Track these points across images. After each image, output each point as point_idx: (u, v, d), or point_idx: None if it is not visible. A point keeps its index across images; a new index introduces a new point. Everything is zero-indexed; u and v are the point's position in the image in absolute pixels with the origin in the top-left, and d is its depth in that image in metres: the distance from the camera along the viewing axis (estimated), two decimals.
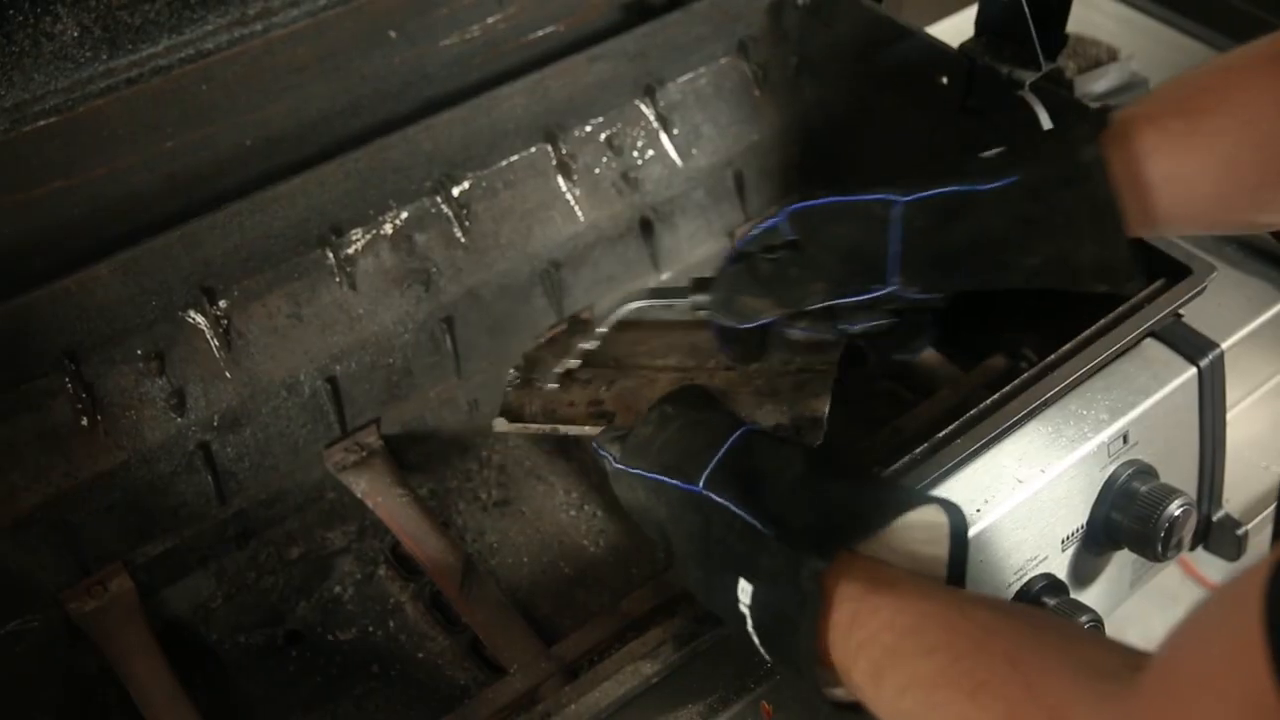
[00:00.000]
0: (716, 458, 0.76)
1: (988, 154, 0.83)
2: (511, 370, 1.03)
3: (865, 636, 0.66)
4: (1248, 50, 0.77)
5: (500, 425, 0.97)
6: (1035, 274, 0.80)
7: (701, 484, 0.75)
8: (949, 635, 0.63)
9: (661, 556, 0.81)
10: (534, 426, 0.96)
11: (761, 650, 0.72)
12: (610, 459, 0.82)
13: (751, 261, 0.86)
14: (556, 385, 1.00)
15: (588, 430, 0.94)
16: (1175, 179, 0.76)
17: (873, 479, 0.80)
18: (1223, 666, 0.48)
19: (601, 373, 1.00)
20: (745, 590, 0.71)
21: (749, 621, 0.71)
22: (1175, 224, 0.80)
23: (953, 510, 0.72)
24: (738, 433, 0.77)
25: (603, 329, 0.99)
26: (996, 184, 0.79)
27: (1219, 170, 0.76)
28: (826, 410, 0.88)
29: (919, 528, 0.71)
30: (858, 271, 0.83)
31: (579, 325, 1.08)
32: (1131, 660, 0.56)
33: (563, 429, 0.96)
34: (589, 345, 1.01)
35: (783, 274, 0.85)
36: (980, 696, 0.60)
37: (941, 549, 0.72)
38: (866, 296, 0.83)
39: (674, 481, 0.76)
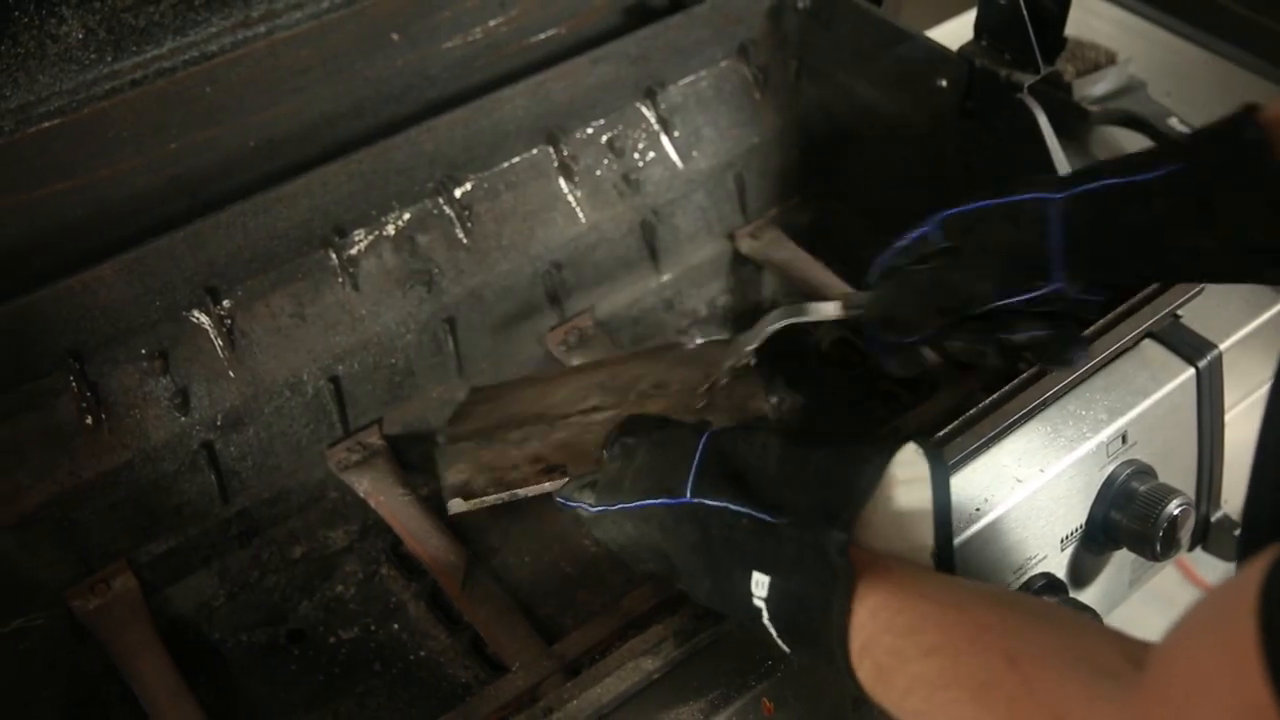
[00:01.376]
0: (694, 466, 0.75)
1: (1132, 153, 0.81)
2: (440, 442, 1.03)
3: (867, 638, 0.66)
4: None
5: (456, 506, 0.95)
6: (1208, 259, 0.77)
7: (689, 494, 0.74)
8: (946, 635, 0.63)
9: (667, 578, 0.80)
10: (491, 498, 0.95)
11: (780, 642, 0.71)
12: (584, 507, 0.81)
13: (905, 273, 0.86)
14: (486, 447, 0.99)
15: (546, 487, 0.93)
16: None
17: (850, 441, 0.79)
18: (1217, 669, 0.48)
19: (531, 430, 1.00)
20: (760, 583, 0.70)
21: (765, 614, 0.71)
22: None
23: (930, 448, 0.72)
24: (704, 437, 0.77)
25: (752, 346, 0.95)
26: (1159, 172, 0.78)
27: None
28: (769, 404, 0.89)
29: (900, 480, 0.71)
30: (1020, 270, 0.81)
31: (476, 394, 1.08)
32: (1132, 655, 0.56)
33: (521, 492, 0.95)
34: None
35: (943, 280, 0.84)
36: (983, 696, 0.60)
37: (925, 497, 0.72)
38: (1031, 295, 0.81)
39: (660, 501, 0.76)
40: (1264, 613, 0.45)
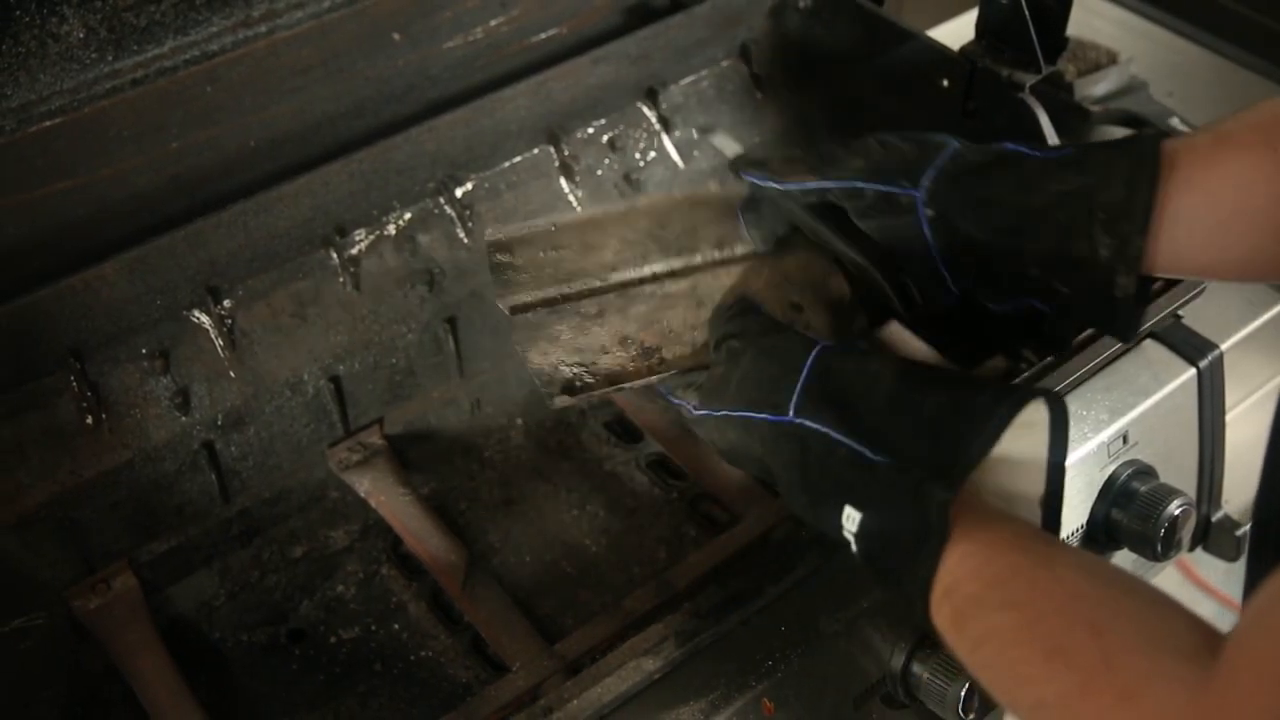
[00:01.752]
0: (800, 383, 0.75)
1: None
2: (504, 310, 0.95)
3: (951, 582, 0.65)
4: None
5: (562, 402, 0.90)
6: (1057, 204, 0.78)
7: (791, 412, 0.74)
8: (1034, 593, 0.62)
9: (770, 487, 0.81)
10: (598, 392, 0.91)
11: (870, 572, 0.72)
12: (688, 406, 0.82)
13: (799, 151, 0.90)
14: (560, 321, 0.93)
15: (652, 380, 0.90)
16: (1187, 200, 0.75)
17: (968, 383, 0.76)
18: None
19: (604, 301, 0.94)
20: (852, 518, 0.70)
21: (853, 546, 0.71)
22: (1176, 260, 0.77)
23: (1054, 401, 0.70)
24: (814, 353, 0.76)
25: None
26: (1050, 154, 0.81)
27: (1230, 192, 0.75)
28: (848, 289, 0.89)
29: (1019, 424, 0.70)
30: (894, 164, 0.84)
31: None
32: (1210, 639, 0.56)
33: (627, 386, 0.90)
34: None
35: (826, 150, 0.87)
36: (1055, 661, 0.59)
37: (1041, 445, 0.71)
38: (892, 189, 0.83)
39: (763, 415, 0.76)
40: None
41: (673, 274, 0.95)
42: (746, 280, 0.93)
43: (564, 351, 0.92)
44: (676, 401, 0.84)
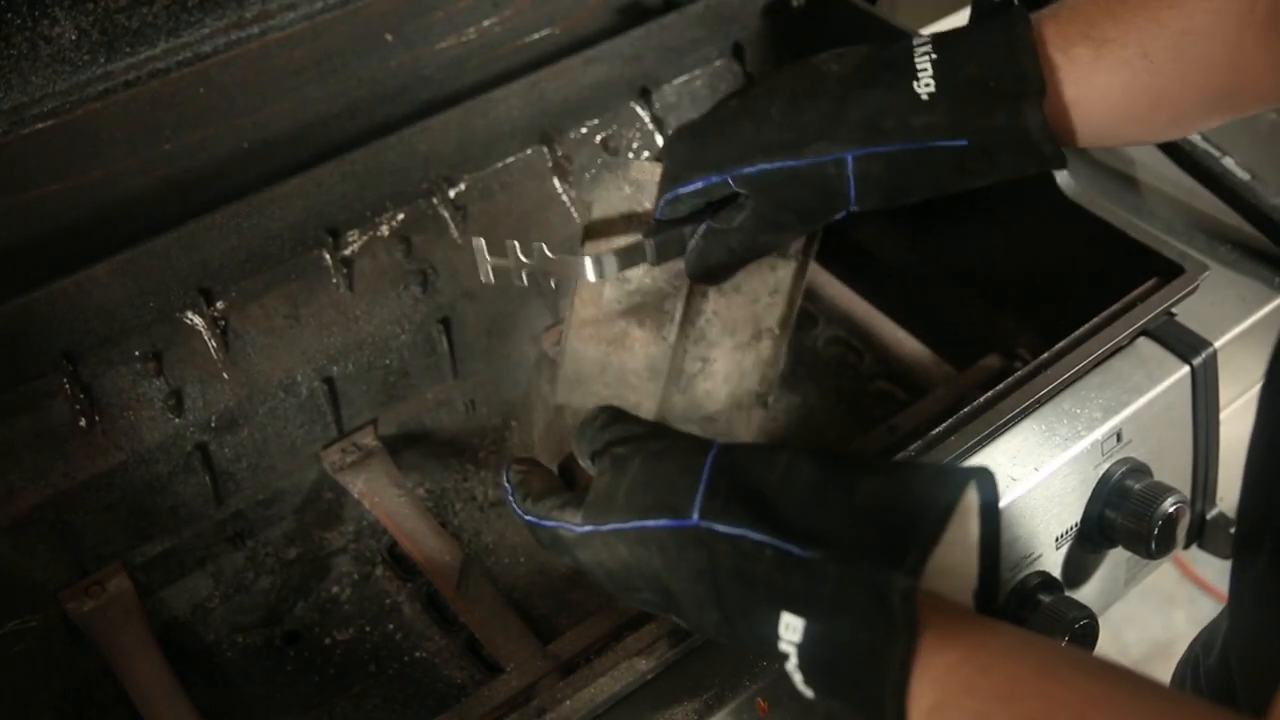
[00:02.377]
0: (702, 483, 0.67)
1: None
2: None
3: (941, 698, 0.57)
4: None
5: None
6: (944, 93, 0.81)
7: (696, 515, 0.66)
8: (1048, 707, 0.55)
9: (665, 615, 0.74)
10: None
11: (804, 688, 0.63)
12: (568, 527, 0.72)
13: (715, 234, 0.89)
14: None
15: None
16: (1077, 103, 0.81)
17: (894, 465, 0.69)
18: None
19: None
20: (793, 627, 0.61)
21: (793, 659, 0.62)
22: (1072, 138, 0.83)
23: (984, 480, 0.64)
24: (711, 452, 0.69)
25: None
26: (918, 41, 0.85)
27: (1116, 96, 0.81)
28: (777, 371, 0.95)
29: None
30: (819, 214, 0.87)
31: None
32: None
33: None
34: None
35: (753, 242, 0.89)
36: None
37: (971, 525, 0.64)
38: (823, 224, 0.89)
39: (661, 521, 0.67)
40: None
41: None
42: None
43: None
44: (549, 525, 0.74)
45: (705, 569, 0.65)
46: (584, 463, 0.78)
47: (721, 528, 0.65)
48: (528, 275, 0.89)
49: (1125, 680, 0.56)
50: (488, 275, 0.88)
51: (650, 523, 0.68)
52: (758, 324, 0.97)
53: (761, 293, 0.97)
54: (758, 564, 0.63)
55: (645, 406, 0.96)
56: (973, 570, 0.65)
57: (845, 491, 0.64)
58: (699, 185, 0.86)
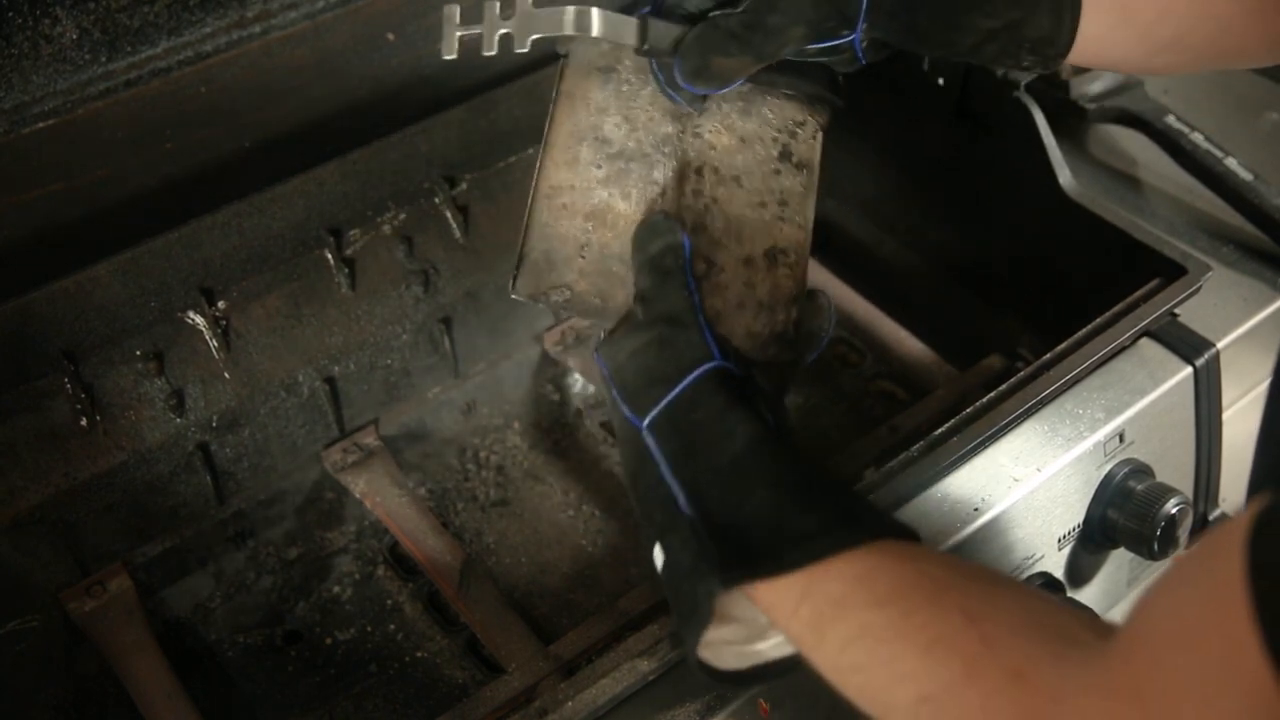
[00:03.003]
0: (667, 398, 0.72)
1: None
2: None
3: (807, 583, 0.63)
4: None
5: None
6: (984, 42, 0.80)
7: (645, 423, 0.72)
8: (901, 587, 0.60)
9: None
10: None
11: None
12: (597, 339, 0.80)
13: (715, 19, 0.81)
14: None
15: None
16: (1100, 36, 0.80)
17: (809, 488, 0.69)
18: (1199, 622, 0.46)
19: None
20: (658, 556, 0.70)
21: (659, 576, 0.71)
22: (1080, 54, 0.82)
23: (910, 538, 0.66)
24: (698, 371, 0.73)
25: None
26: None
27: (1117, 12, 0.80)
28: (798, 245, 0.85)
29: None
30: (831, 15, 0.80)
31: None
32: (1097, 628, 0.55)
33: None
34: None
35: (758, 23, 0.81)
36: (935, 651, 0.57)
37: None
38: (834, 42, 0.81)
39: (625, 410, 0.74)
40: (1253, 558, 0.44)
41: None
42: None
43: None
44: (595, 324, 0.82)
45: (634, 468, 0.73)
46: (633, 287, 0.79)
47: (653, 448, 0.72)
48: (500, 41, 0.80)
49: (984, 573, 0.63)
50: (452, 48, 0.80)
51: (615, 396, 0.75)
52: (771, 239, 0.85)
53: (767, 196, 0.86)
54: (658, 492, 0.71)
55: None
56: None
57: (746, 486, 0.68)
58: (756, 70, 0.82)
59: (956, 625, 0.57)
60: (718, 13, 0.81)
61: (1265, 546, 0.44)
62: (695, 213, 0.84)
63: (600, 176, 0.84)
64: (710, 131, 0.87)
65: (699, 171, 0.85)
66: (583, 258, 0.81)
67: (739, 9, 0.80)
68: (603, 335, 0.79)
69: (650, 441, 0.72)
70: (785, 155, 0.88)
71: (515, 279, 0.81)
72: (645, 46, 0.81)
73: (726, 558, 0.66)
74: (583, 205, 0.83)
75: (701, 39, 0.80)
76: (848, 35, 0.81)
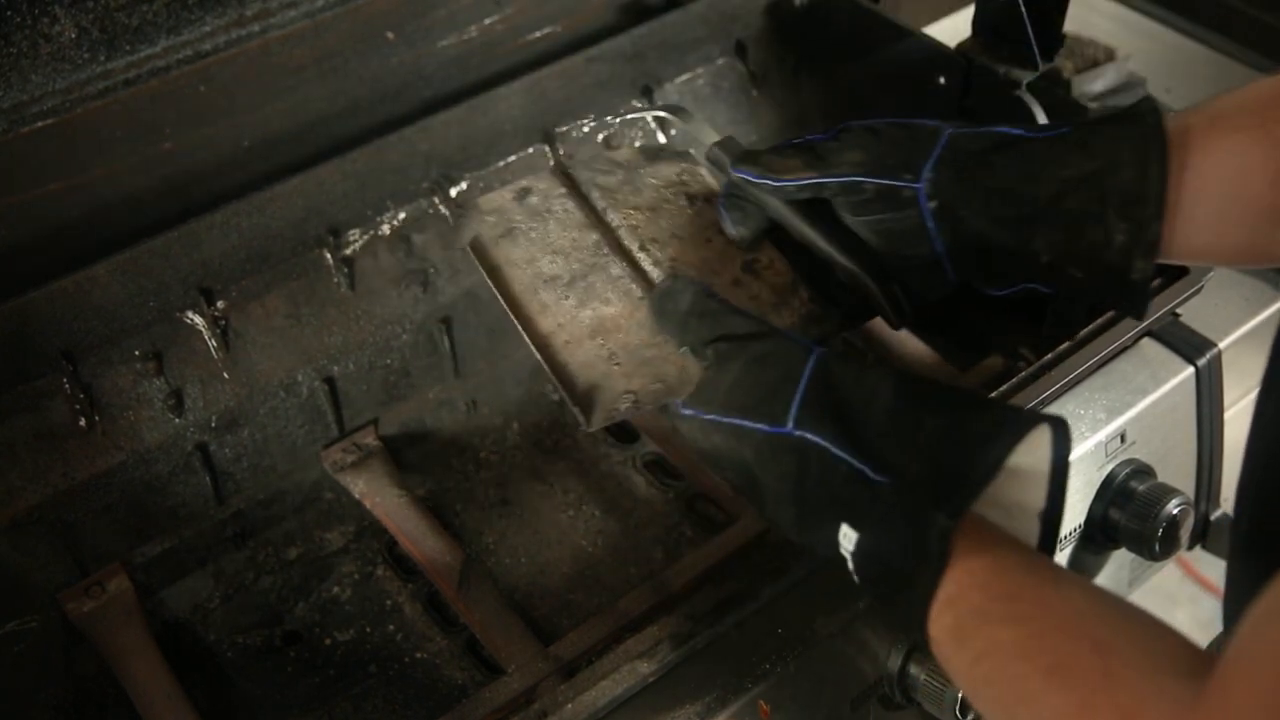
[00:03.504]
0: (799, 393, 0.72)
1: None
2: None
3: (955, 592, 0.64)
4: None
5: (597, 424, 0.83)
6: (1065, 192, 0.76)
7: (791, 424, 0.71)
8: (1039, 609, 0.62)
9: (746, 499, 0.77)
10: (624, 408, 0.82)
11: (858, 582, 0.70)
12: (675, 404, 0.79)
13: (798, 141, 0.86)
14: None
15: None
16: (1186, 204, 0.74)
17: (969, 401, 0.72)
18: (1272, 677, 0.47)
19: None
20: (849, 536, 0.68)
21: (850, 564, 0.69)
22: (1186, 243, 0.76)
23: (1058, 426, 0.68)
24: (812, 360, 0.73)
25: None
26: (1049, 133, 0.79)
27: (1231, 170, 0.73)
28: (807, 299, 0.88)
29: (1022, 447, 0.67)
30: (893, 156, 0.81)
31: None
32: (1205, 662, 0.55)
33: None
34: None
35: (822, 145, 0.84)
36: (1056, 677, 0.58)
37: (1044, 463, 0.68)
38: (893, 182, 0.81)
39: (759, 425, 0.72)
40: None
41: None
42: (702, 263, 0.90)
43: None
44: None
45: (791, 472, 0.71)
46: (681, 347, 0.81)
47: (812, 437, 0.71)
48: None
49: (1118, 602, 0.62)
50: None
51: (747, 423, 0.73)
52: (738, 256, 0.92)
53: (705, 231, 0.92)
54: (835, 475, 0.69)
55: (689, 370, 0.82)
56: (1039, 503, 0.69)
57: (914, 423, 0.69)
58: (807, 181, 0.85)
59: (1083, 655, 0.58)
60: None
61: None
62: (668, 272, 0.89)
63: (574, 304, 0.89)
64: (625, 218, 0.93)
65: (643, 247, 0.91)
66: (618, 365, 0.85)
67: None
68: (678, 403, 0.78)
69: (808, 436, 0.71)
70: (691, 199, 0.95)
71: (586, 420, 0.82)
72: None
73: (937, 493, 0.66)
74: (581, 331, 0.87)
75: (766, 147, 0.87)
76: (909, 180, 0.81)
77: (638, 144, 1.05)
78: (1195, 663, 0.55)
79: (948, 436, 0.68)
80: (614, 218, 0.93)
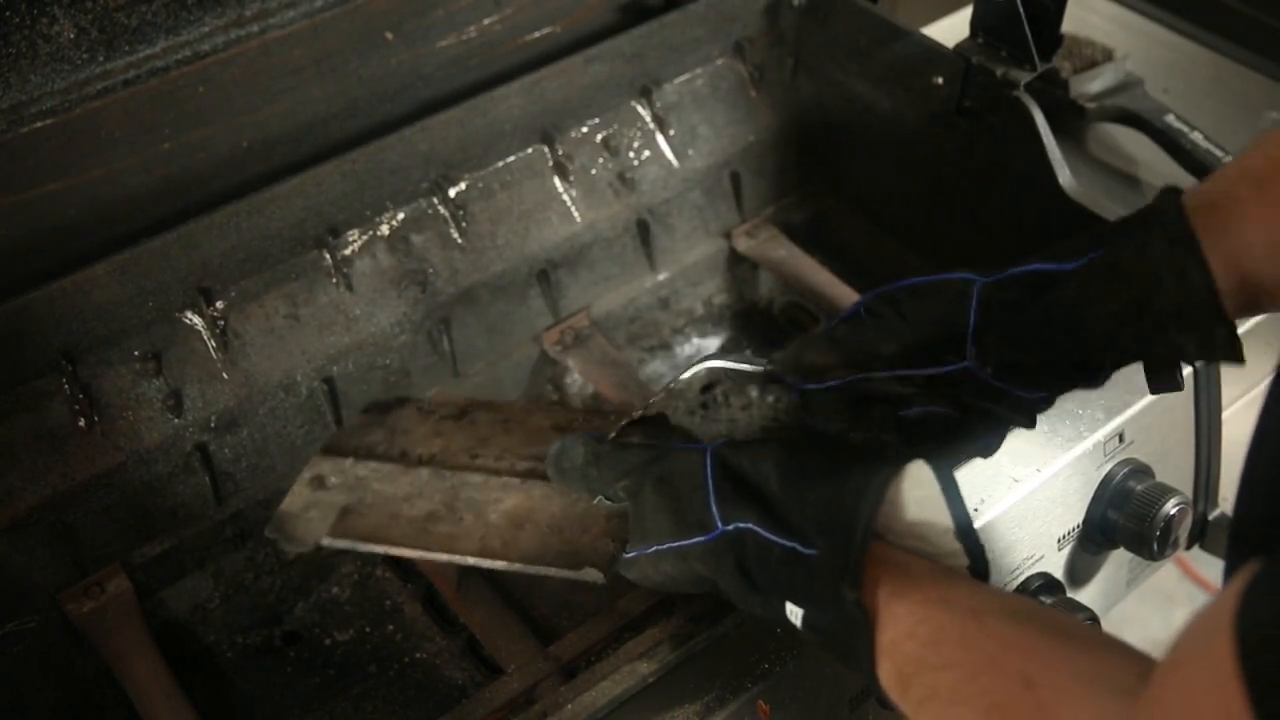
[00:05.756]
0: (710, 493, 0.74)
1: (1063, 242, 0.79)
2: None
3: (888, 642, 0.66)
4: None
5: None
6: (1114, 331, 0.74)
7: (719, 524, 0.73)
8: (964, 652, 0.63)
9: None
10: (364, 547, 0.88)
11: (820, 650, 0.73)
12: (620, 557, 0.80)
13: (829, 329, 0.87)
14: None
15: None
16: (1267, 242, 0.70)
17: (842, 465, 0.72)
18: (1201, 696, 0.48)
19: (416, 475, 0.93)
20: (794, 613, 0.71)
21: (804, 634, 0.71)
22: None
23: (931, 460, 0.69)
24: (708, 461, 0.76)
25: (677, 385, 0.89)
26: (1081, 261, 0.76)
27: None
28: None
29: (907, 485, 0.69)
30: (933, 339, 0.81)
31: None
32: (1144, 671, 0.56)
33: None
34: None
35: (856, 335, 0.84)
36: (993, 717, 0.60)
37: (938, 500, 0.69)
38: (938, 370, 0.80)
39: (695, 539, 0.74)
40: (1240, 638, 0.45)
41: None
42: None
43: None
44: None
45: (738, 565, 0.73)
46: (594, 500, 0.83)
47: (742, 525, 0.72)
48: None
49: (1046, 624, 0.63)
50: None
51: (685, 542, 0.75)
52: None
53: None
54: (769, 556, 0.71)
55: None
56: (947, 522, 0.69)
57: (799, 496, 0.71)
58: (842, 315, 0.86)
59: (1014, 692, 0.59)
60: (837, 324, 0.87)
61: (1252, 627, 0.45)
62: (511, 460, 0.92)
63: (473, 519, 0.88)
64: (426, 447, 0.96)
65: (473, 455, 0.93)
66: (566, 534, 0.86)
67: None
68: (623, 555, 0.80)
69: (739, 525, 0.73)
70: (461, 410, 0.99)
71: (606, 571, 0.83)
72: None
73: (839, 559, 0.67)
74: (505, 531, 0.87)
75: (803, 339, 0.87)
76: (952, 363, 0.80)
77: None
78: (1128, 679, 0.56)
79: (828, 505, 0.70)
80: (420, 452, 0.95)
